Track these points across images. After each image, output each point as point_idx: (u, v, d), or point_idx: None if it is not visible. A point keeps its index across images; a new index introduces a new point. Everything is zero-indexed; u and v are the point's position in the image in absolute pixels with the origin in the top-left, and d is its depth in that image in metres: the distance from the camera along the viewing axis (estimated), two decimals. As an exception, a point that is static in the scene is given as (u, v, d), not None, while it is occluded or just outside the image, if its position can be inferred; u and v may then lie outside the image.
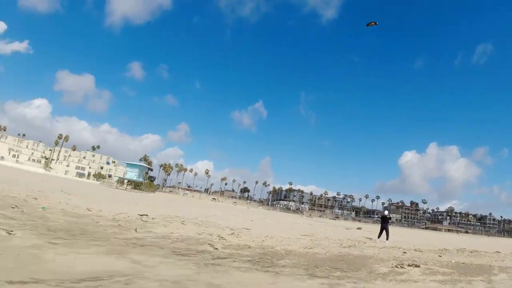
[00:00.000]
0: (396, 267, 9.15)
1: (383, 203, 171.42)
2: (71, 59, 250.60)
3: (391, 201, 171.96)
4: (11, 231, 6.87)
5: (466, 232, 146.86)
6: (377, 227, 24.47)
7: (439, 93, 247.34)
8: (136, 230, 10.01)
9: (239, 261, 7.57)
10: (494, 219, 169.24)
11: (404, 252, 13.19)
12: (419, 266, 9.52)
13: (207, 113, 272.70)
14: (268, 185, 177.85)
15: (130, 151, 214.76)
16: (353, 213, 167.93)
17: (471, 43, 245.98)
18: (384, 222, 18.63)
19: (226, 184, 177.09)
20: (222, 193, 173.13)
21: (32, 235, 7.02)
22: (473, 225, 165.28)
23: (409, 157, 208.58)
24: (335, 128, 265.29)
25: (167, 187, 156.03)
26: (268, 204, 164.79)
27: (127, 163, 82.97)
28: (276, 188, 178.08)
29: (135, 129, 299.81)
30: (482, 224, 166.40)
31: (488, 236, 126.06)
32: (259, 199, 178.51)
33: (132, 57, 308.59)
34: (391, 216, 22.17)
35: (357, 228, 35.45)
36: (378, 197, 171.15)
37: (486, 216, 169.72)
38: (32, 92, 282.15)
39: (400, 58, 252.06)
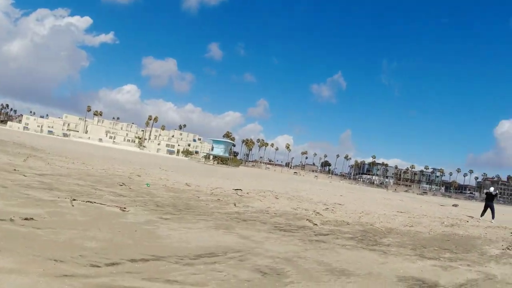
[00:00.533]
0: (508, 248, 8.47)
1: (476, 178, 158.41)
2: (154, 46, 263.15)
3: (486, 175, 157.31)
4: (124, 208, 7.51)
5: None
6: (472, 203, 22.72)
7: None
8: (235, 205, 10.48)
9: (341, 238, 7.58)
10: None
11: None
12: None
13: (285, 87, 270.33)
14: (350, 158, 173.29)
15: (213, 128, 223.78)
16: (443, 188, 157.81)
17: None
18: (489, 200, 17.18)
19: (306, 158, 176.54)
20: (303, 167, 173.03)
21: (144, 211, 7.64)
22: None
23: (506, 126, 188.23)
24: (421, 97, 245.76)
25: (249, 161, 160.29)
26: (350, 178, 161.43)
27: (213, 140, 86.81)
28: (359, 161, 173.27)
29: (217, 107, 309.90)
30: None
31: None
32: (340, 173, 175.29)
33: (211, 38, 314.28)
34: (497, 192, 20.19)
35: (453, 205, 33.38)
36: (471, 171, 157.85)
37: None
38: (122, 79, 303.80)
39: (494, 17, 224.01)
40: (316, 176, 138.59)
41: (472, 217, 17.54)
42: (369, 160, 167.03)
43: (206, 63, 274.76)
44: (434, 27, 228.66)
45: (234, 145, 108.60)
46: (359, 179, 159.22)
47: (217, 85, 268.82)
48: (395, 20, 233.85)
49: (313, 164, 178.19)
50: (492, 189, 17.88)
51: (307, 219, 9.41)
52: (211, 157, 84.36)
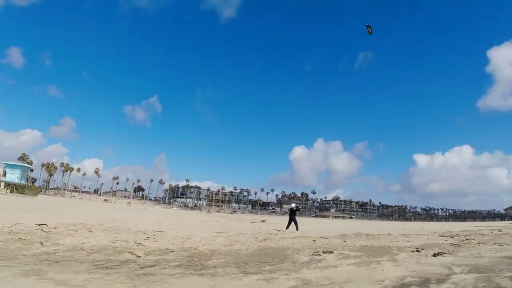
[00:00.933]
0: (314, 255, 9.68)
1: (276, 195, 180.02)
2: None
3: (285, 193, 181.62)
4: None
5: (351, 217, 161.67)
6: (276, 218, 25.58)
7: (325, 93, 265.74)
8: (42, 244, 8.95)
9: (169, 267, 7.28)
10: (373, 205, 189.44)
11: (314, 241, 14.02)
12: (332, 252, 10.21)
13: (95, 106, 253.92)
14: (164, 182, 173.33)
15: (5, 148, 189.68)
16: (250, 206, 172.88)
17: (354, 50, 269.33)
18: (292, 214, 19.69)
19: (118, 183, 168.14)
20: (114, 193, 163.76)
21: None
22: (355, 211, 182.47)
23: (298, 151, 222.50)
24: (231, 125, 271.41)
25: (50, 189, 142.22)
26: (164, 203, 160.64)
27: (6, 164, 73.47)
28: (173, 185, 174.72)
29: (11, 123, 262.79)
30: (364, 209, 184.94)
31: (370, 220, 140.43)
32: (154, 197, 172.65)
33: (11, 42, 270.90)
34: (299, 207, 23.35)
35: (262, 221, 36.54)
36: (272, 190, 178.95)
37: (367, 202, 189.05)
38: None
39: (292, 61, 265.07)
40: (129, 202, 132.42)
41: (279, 230, 19.59)
42: (183, 183, 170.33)
43: (2, 70, 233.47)
44: (245, 63, 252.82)
45: (32, 170, 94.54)
46: (173, 203, 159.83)
47: (14, 97, 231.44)
48: (212, 51, 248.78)
49: (125, 189, 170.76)
50: (293, 205, 20.69)
51: (129, 252, 8.73)
52: (2, 184, 71.23)
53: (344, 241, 14.42)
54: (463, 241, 15.45)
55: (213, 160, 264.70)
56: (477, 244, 13.93)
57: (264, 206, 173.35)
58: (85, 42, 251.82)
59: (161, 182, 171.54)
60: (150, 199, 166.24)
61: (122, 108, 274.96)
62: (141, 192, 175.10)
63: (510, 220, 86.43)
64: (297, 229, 18.80)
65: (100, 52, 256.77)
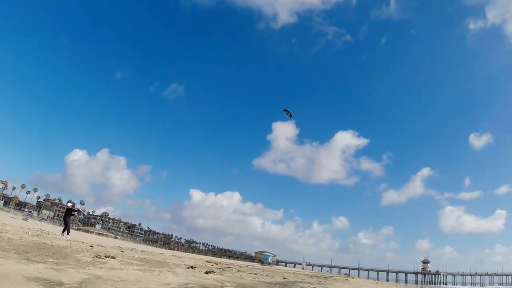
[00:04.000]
0: (97, 257, 9.48)
1: (38, 197, 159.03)
2: None
3: (49, 196, 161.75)
4: None
5: (116, 237, 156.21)
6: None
7: (129, 107, 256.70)
8: None
9: None
10: (141, 229, 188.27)
11: (91, 246, 13.50)
12: (115, 258, 10.21)
13: None
14: None
15: None
16: (2, 202, 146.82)
17: (167, 79, 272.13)
18: (67, 215, 18.14)
19: None
20: None
21: None
22: (122, 231, 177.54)
23: (78, 155, 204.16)
24: (10, 101, 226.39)
25: None
26: None
27: None
28: None
29: None
30: (131, 231, 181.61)
31: (135, 243, 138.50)
32: None
33: None
34: (78, 209, 21.63)
35: (23, 219, 32.31)
36: (35, 190, 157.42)
37: (135, 225, 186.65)
38: None
39: (105, 61, 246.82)
40: None
41: (49, 232, 17.89)
42: None
43: None
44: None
45: None
46: None
47: None
48: None
49: None
50: (70, 204, 19.33)
51: None
52: None
53: (122, 251, 14.38)
54: (225, 268, 17.45)
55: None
56: (238, 271, 16.05)
57: (20, 206, 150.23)
58: None
59: None
60: None
61: None
62: None
63: (258, 262, 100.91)
64: (68, 232, 17.33)
65: None
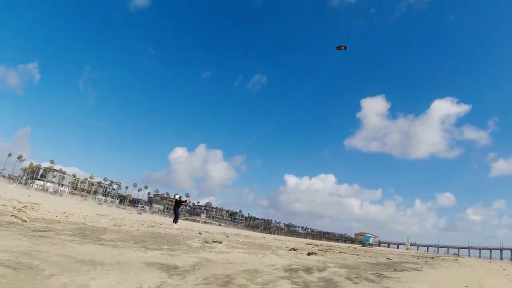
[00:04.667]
0: (206, 242, 10.05)
1: (149, 193, 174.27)
2: None
3: (158, 191, 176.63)
4: None
5: (220, 224, 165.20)
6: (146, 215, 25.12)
7: (218, 103, 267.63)
8: None
9: (63, 234, 6.90)
10: (242, 215, 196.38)
11: (200, 233, 14.41)
12: (221, 242, 10.73)
13: None
14: (24, 159, 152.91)
15: None
16: (118, 200, 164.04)
17: (250, 71, 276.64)
18: (177, 206, 19.52)
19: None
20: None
21: None
22: (225, 219, 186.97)
23: (179, 153, 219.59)
24: (115, 112, 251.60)
25: None
26: (21, 183, 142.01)
27: None
28: (34, 164, 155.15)
29: None
30: (233, 218, 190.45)
31: (237, 229, 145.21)
32: (9, 175, 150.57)
33: None
34: (186, 201, 23.04)
35: (137, 213, 35.60)
36: (146, 187, 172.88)
37: (236, 212, 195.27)
38: None
39: (191, 64, 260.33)
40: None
41: (162, 223, 19.43)
42: (46, 164, 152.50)
43: None
44: (141, 52, 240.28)
45: None
46: (31, 184, 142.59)
47: None
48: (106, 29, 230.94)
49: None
50: (178, 196, 20.34)
51: (12, 215, 8.01)
52: None
53: (227, 236, 15.10)
54: (326, 249, 17.38)
55: (85, 145, 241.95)
56: (339, 252, 15.89)
57: (133, 202, 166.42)
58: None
59: (20, 158, 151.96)
60: (3, 175, 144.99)
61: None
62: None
63: (358, 244, 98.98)
64: (175, 222, 18.56)
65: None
